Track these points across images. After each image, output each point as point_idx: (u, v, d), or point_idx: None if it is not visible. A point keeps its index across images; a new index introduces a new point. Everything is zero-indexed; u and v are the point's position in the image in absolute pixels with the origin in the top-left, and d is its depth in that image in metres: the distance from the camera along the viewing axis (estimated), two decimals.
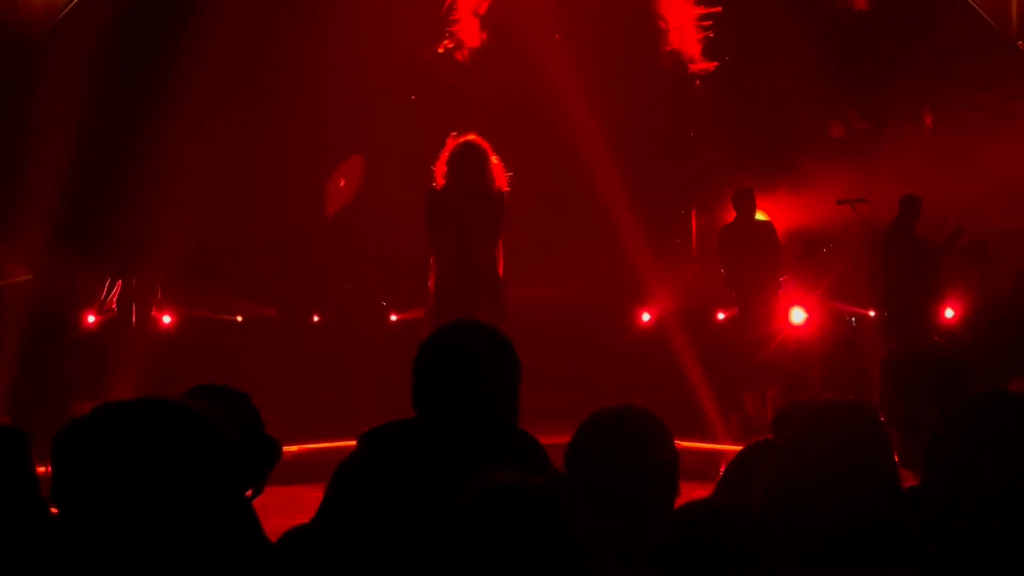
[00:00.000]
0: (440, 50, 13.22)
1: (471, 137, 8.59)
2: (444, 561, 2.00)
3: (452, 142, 8.62)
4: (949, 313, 11.45)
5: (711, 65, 13.18)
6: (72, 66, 11.14)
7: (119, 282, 11.16)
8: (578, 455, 2.84)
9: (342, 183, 12.85)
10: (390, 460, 2.85)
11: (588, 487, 2.76)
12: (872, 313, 11.78)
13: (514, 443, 2.96)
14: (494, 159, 8.52)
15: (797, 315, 11.17)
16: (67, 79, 11.02)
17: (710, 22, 13.22)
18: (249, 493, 3.04)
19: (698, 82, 13.18)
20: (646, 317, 12.12)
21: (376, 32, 12.40)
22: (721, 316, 11.87)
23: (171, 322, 11.81)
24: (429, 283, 8.70)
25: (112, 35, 11.58)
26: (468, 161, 8.44)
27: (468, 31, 13.33)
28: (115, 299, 11.13)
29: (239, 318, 12.38)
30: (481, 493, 2.46)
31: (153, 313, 11.51)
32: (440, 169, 8.56)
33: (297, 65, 12.11)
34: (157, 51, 11.54)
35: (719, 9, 13.13)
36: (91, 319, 11.35)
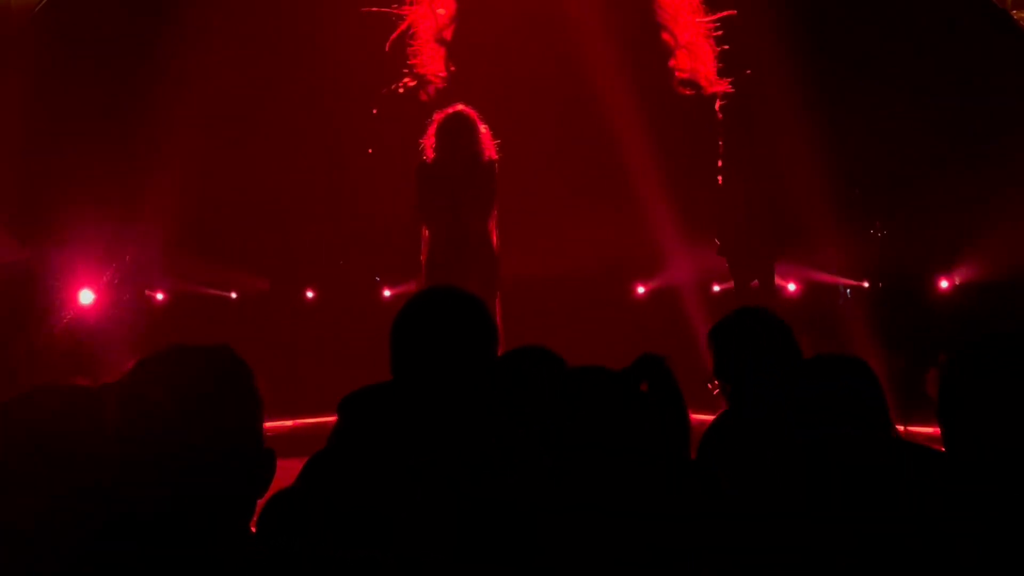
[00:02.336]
0: (400, 90, 11.69)
1: (459, 107, 8.55)
2: None
3: (440, 114, 8.59)
4: (944, 284, 11.49)
5: (727, 87, 11.47)
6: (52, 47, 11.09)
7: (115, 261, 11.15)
8: (587, 415, 2.83)
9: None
10: (371, 423, 2.89)
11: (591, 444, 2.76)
12: (866, 284, 11.79)
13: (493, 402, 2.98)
14: (483, 128, 8.48)
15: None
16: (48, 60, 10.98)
17: (721, 32, 11.69)
18: None
19: (720, 114, 11.24)
20: (640, 290, 12.14)
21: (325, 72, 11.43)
22: (716, 288, 11.88)
23: (164, 299, 11.82)
24: (421, 256, 8.69)
25: (91, 15, 11.47)
26: (457, 132, 8.41)
27: (432, 63, 11.74)
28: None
29: (233, 294, 12.37)
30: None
31: (146, 291, 11.51)
32: (429, 141, 8.53)
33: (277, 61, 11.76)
34: (141, 32, 11.43)
35: (733, 12, 11.59)
36: (89, 298, 11.33)
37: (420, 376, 2.95)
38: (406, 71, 11.74)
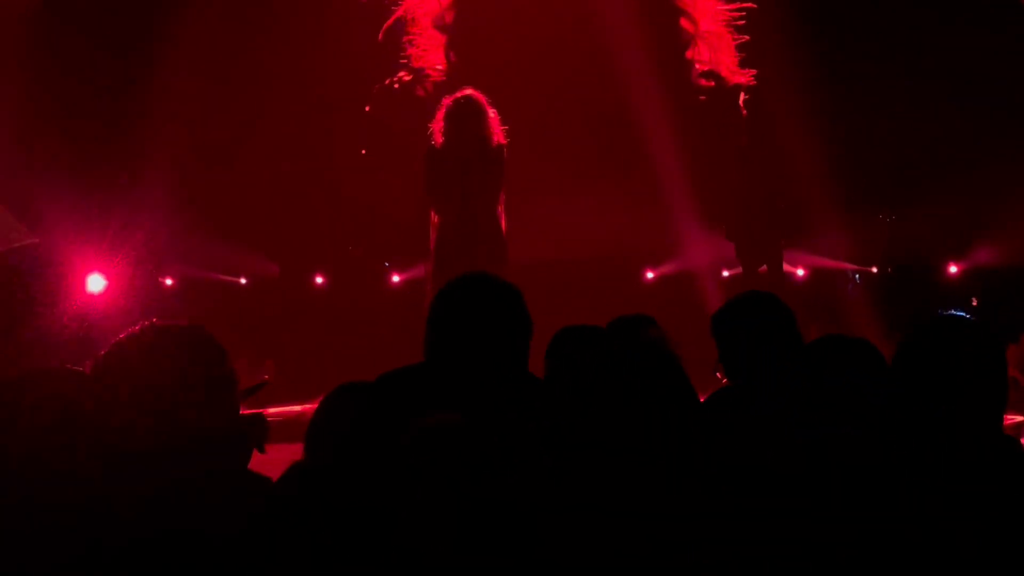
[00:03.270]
0: (396, 85, 11.14)
1: (468, 91, 8.52)
2: None
3: (448, 99, 8.56)
4: (953, 269, 11.48)
5: (749, 79, 11.21)
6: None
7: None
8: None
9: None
10: (404, 401, 2.88)
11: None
12: (874, 269, 11.78)
13: (524, 386, 2.98)
14: (491, 113, 8.45)
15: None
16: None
17: (743, 21, 11.33)
18: None
19: (745, 110, 11.12)
20: (650, 275, 12.13)
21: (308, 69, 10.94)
22: (725, 274, 11.88)
23: (174, 284, 11.85)
24: (430, 242, 8.68)
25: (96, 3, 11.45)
26: (465, 117, 8.38)
27: (431, 54, 11.11)
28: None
29: (242, 280, 12.39)
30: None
31: (157, 277, 11.54)
32: (438, 126, 8.51)
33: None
34: (149, 20, 11.39)
35: (753, 5, 11.28)
36: (98, 284, 11.35)
37: (455, 364, 2.95)
38: (404, 61, 11.34)
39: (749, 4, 11.36)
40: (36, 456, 2.35)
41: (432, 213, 8.69)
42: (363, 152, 11.45)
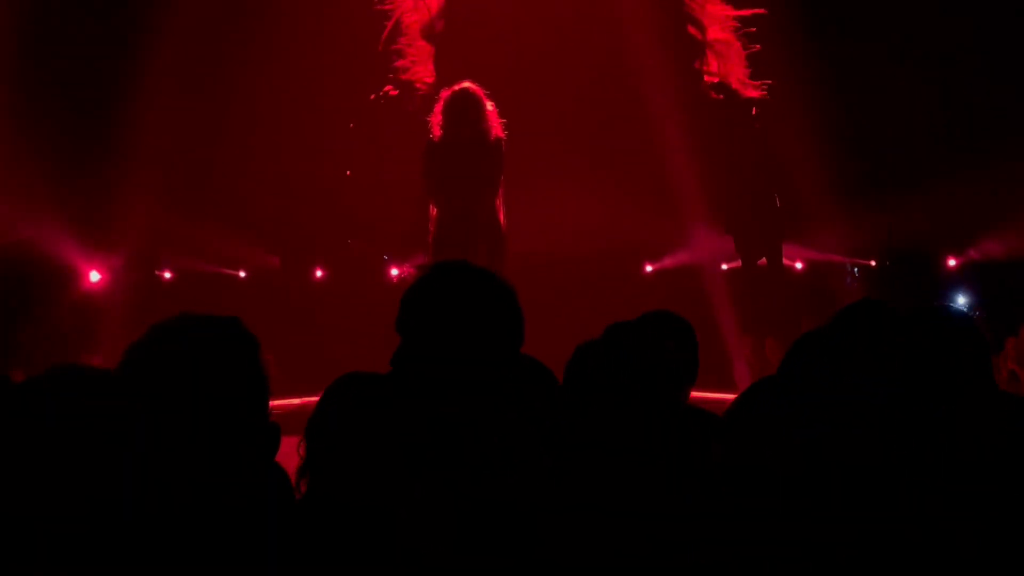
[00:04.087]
0: (382, 100, 11.02)
1: (466, 85, 8.51)
2: None
3: (447, 92, 8.55)
4: (952, 263, 11.48)
5: (762, 92, 10.99)
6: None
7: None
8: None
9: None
10: (404, 399, 2.85)
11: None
12: (873, 263, 11.78)
13: (524, 386, 2.96)
14: (489, 106, 8.43)
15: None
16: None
17: (754, 28, 11.11)
18: None
19: (758, 123, 10.99)
20: (648, 269, 12.13)
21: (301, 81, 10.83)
22: (724, 267, 11.88)
23: (172, 277, 11.85)
24: (429, 234, 8.68)
25: None
26: (464, 110, 8.38)
27: (420, 65, 10.91)
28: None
29: (241, 273, 12.38)
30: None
31: (155, 270, 11.56)
32: (436, 119, 8.50)
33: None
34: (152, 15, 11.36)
35: (763, 11, 10.95)
36: (96, 277, 11.34)
37: (431, 366, 2.90)
38: (391, 76, 11.10)
39: (760, 10, 11.07)
40: (55, 455, 2.34)
41: (431, 206, 8.69)
42: (348, 173, 11.25)
